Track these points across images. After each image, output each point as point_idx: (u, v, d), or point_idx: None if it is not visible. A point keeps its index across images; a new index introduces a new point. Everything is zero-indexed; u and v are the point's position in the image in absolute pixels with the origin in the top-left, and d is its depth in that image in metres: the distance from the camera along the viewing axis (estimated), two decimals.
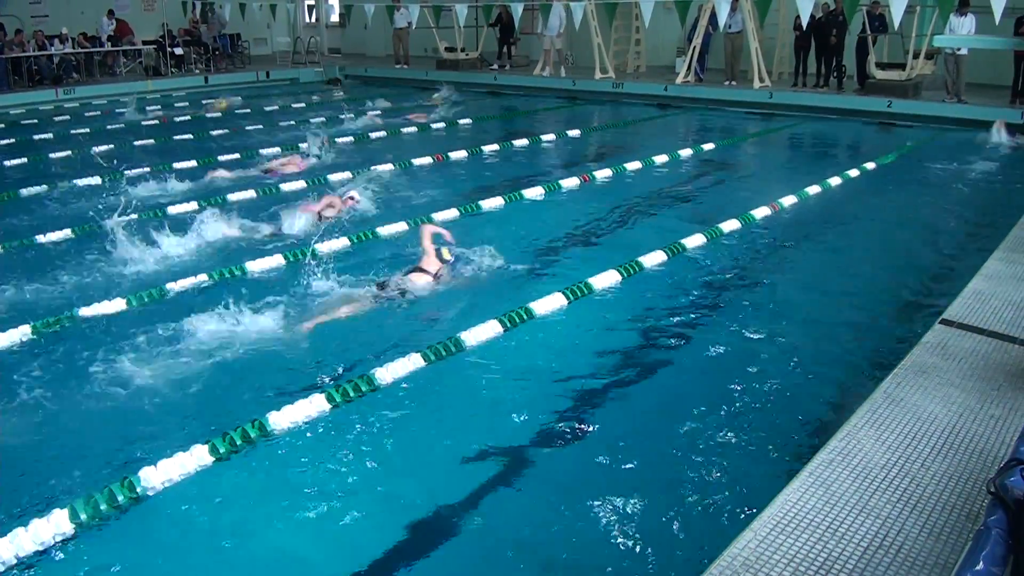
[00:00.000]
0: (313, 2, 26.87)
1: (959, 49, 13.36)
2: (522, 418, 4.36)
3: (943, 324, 4.73)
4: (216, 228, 7.44)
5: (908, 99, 14.36)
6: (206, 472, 3.83)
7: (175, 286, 6.09)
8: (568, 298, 5.83)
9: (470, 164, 11.09)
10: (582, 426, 4.32)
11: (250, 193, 9.08)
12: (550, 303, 5.73)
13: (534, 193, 9.11)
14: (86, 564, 3.28)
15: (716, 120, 15.06)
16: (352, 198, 8.25)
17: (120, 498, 3.59)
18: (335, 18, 27.47)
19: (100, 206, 7.35)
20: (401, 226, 7.67)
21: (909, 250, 7.26)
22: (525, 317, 5.50)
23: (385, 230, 7.59)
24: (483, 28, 21.34)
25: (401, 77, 20.89)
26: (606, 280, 6.21)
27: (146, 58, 20.21)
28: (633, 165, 10.60)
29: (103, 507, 3.53)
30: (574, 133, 13.46)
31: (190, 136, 13.06)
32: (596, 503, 3.61)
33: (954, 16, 13.29)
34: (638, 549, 3.34)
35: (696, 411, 4.40)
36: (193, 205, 8.52)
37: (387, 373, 4.67)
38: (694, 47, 16.97)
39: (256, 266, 6.65)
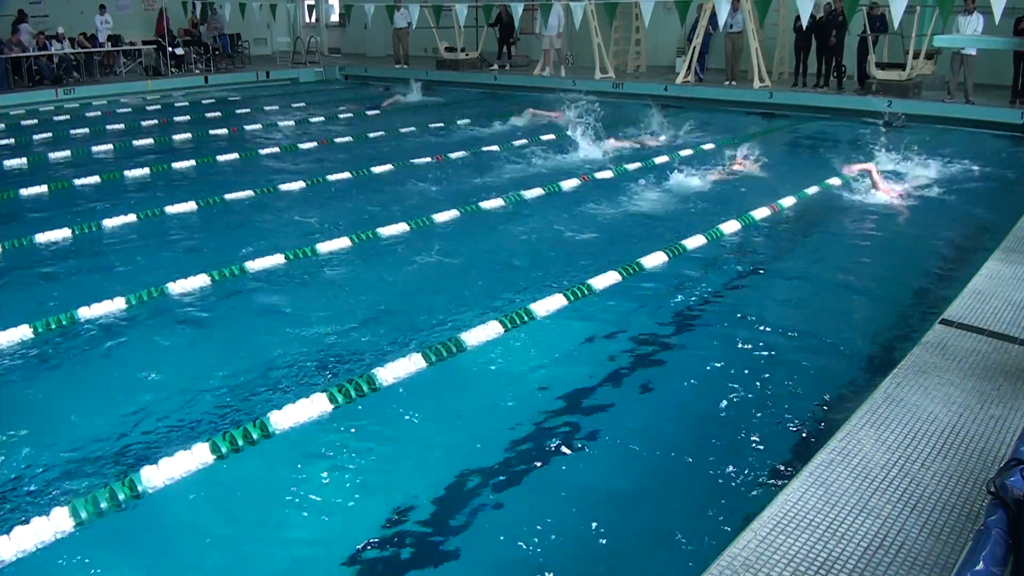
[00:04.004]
0: (313, 2, 26.88)
1: (963, 49, 13.36)
2: (521, 418, 4.36)
3: (943, 324, 4.73)
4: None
5: (908, 99, 14.36)
6: (207, 471, 3.83)
7: (175, 286, 6.09)
8: (568, 299, 5.84)
9: (468, 164, 11.09)
10: (581, 426, 4.32)
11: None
12: (550, 303, 5.74)
13: (533, 193, 9.12)
14: (86, 563, 3.28)
15: (716, 120, 15.05)
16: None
17: (121, 496, 3.59)
18: (335, 18, 27.47)
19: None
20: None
21: (909, 250, 7.26)
22: (526, 318, 5.51)
23: None
24: (483, 28, 21.35)
25: (401, 77, 20.88)
26: (606, 280, 6.21)
27: (146, 58, 20.21)
28: (633, 165, 10.62)
29: (104, 505, 3.54)
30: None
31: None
32: (595, 503, 3.61)
33: (961, 15, 13.28)
34: (638, 549, 3.34)
35: (695, 411, 4.41)
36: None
37: (388, 373, 4.68)
38: (694, 47, 16.98)
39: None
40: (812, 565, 2.72)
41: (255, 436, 4.06)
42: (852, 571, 2.69)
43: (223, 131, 13.42)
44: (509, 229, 7.89)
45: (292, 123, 14.38)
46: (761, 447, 4.06)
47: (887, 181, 9.12)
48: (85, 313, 5.57)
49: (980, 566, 2.29)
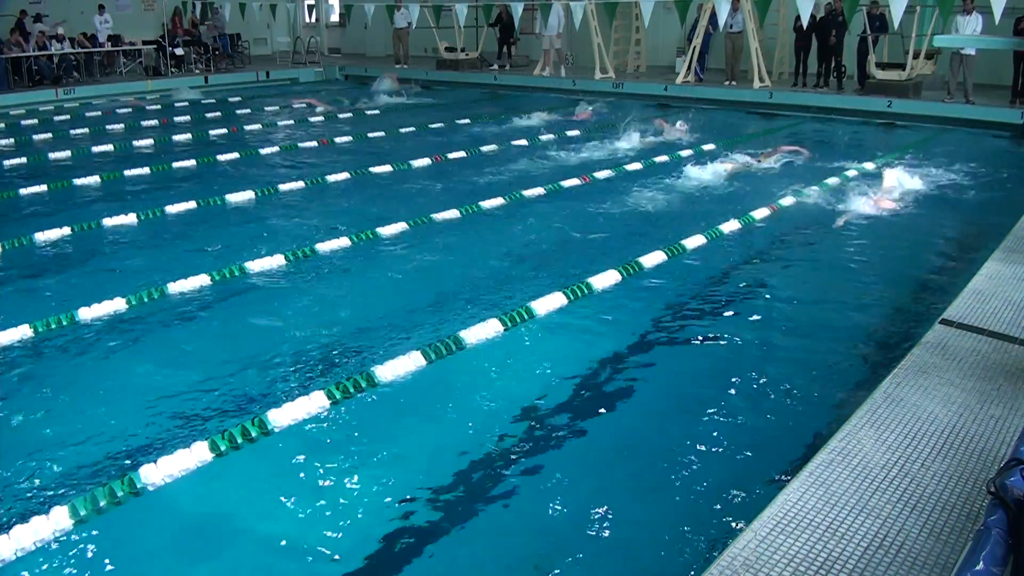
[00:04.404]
0: (313, 2, 26.87)
1: (963, 49, 13.36)
2: (521, 416, 4.37)
3: (943, 324, 4.73)
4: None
5: (908, 99, 14.36)
6: (206, 469, 3.83)
7: (175, 286, 6.09)
8: (568, 297, 5.84)
9: (468, 164, 11.10)
10: (581, 426, 4.32)
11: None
12: (550, 302, 5.74)
13: (533, 193, 9.12)
14: (85, 561, 3.28)
15: (716, 120, 15.04)
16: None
17: (120, 495, 3.59)
18: (335, 18, 27.45)
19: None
20: None
21: (909, 250, 7.26)
22: (525, 316, 5.51)
23: None
24: (483, 28, 21.34)
25: (401, 77, 20.87)
26: (606, 280, 6.21)
27: (146, 58, 20.22)
28: (634, 166, 10.62)
29: (103, 504, 3.54)
30: (573, 133, 13.45)
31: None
32: (595, 503, 3.61)
33: (960, 15, 13.29)
34: (638, 549, 3.34)
35: (695, 411, 4.40)
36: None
37: (387, 371, 4.68)
38: (694, 47, 16.97)
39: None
40: (812, 565, 2.72)
41: (254, 434, 4.06)
42: (852, 571, 2.69)
43: (223, 131, 13.41)
44: (509, 228, 7.89)
45: (292, 123, 14.38)
46: (761, 447, 4.06)
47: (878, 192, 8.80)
48: (85, 313, 5.57)
49: (980, 566, 2.28)
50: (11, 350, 5.13)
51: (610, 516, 3.52)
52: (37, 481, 3.79)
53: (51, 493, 3.68)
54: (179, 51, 20.37)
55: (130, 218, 8.05)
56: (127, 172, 10.16)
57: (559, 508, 3.58)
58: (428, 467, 3.95)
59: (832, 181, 9.51)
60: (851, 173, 9.97)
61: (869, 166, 10.35)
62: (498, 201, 8.70)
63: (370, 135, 13.13)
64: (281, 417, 4.18)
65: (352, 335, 5.39)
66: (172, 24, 20.37)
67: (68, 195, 9.21)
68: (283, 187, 9.43)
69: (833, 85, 15.80)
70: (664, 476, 3.83)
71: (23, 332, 5.28)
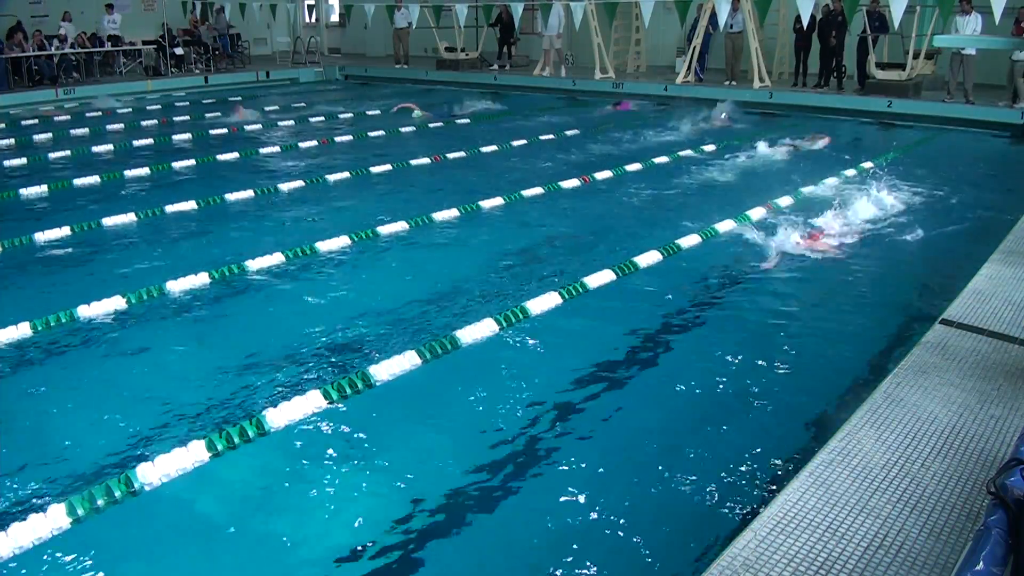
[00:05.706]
0: (313, 2, 26.87)
1: (963, 49, 13.37)
2: (517, 415, 4.36)
3: (943, 324, 4.72)
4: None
5: (908, 99, 14.36)
6: (203, 469, 3.82)
7: (174, 285, 6.08)
8: (564, 297, 5.83)
9: (467, 164, 11.10)
10: (578, 425, 4.31)
11: None
12: (546, 302, 5.73)
13: (532, 193, 9.12)
14: (83, 560, 3.27)
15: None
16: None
17: (117, 494, 3.59)
18: (335, 18, 27.47)
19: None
20: None
21: (908, 250, 7.25)
22: (521, 316, 5.50)
23: None
24: (483, 28, 21.34)
25: (401, 77, 20.90)
26: (601, 280, 6.20)
27: (146, 58, 20.21)
28: (633, 166, 10.61)
29: (100, 503, 3.53)
30: (573, 133, 13.46)
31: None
32: (593, 503, 3.60)
33: (959, 15, 13.29)
34: (637, 549, 3.33)
35: (695, 410, 4.40)
36: None
37: (383, 370, 4.67)
38: (694, 47, 16.98)
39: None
40: (812, 565, 2.71)
41: (251, 434, 4.05)
42: (852, 571, 2.68)
43: (223, 131, 13.41)
44: (507, 228, 7.89)
45: (292, 123, 14.37)
46: (761, 447, 4.04)
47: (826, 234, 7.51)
48: (85, 311, 5.57)
49: (980, 566, 2.28)
50: (10, 349, 5.13)
51: (608, 516, 3.51)
52: (34, 480, 3.78)
53: (48, 492, 3.67)
54: (179, 51, 20.37)
55: (130, 217, 8.05)
56: (127, 172, 10.15)
57: (557, 508, 3.57)
58: (426, 467, 3.94)
59: (831, 181, 9.50)
60: (849, 173, 9.96)
61: (868, 166, 10.34)
62: (497, 201, 8.70)
63: (370, 134, 13.13)
64: (278, 417, 4.17)
65: (349, 334, 5.38)
66: (192, 22, 20.75)
67: (68, 195, 9.20)
68: (283, 186, 9.43)
69: (833, 85, 15.80)
70: (663, 476, 3.82)
71: (22, 331, 5.28)
